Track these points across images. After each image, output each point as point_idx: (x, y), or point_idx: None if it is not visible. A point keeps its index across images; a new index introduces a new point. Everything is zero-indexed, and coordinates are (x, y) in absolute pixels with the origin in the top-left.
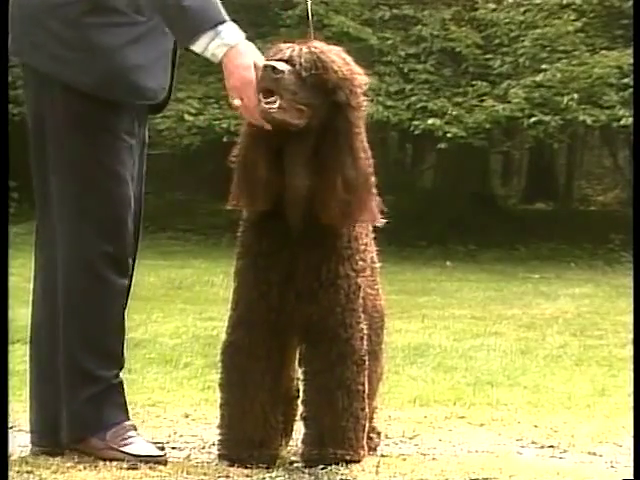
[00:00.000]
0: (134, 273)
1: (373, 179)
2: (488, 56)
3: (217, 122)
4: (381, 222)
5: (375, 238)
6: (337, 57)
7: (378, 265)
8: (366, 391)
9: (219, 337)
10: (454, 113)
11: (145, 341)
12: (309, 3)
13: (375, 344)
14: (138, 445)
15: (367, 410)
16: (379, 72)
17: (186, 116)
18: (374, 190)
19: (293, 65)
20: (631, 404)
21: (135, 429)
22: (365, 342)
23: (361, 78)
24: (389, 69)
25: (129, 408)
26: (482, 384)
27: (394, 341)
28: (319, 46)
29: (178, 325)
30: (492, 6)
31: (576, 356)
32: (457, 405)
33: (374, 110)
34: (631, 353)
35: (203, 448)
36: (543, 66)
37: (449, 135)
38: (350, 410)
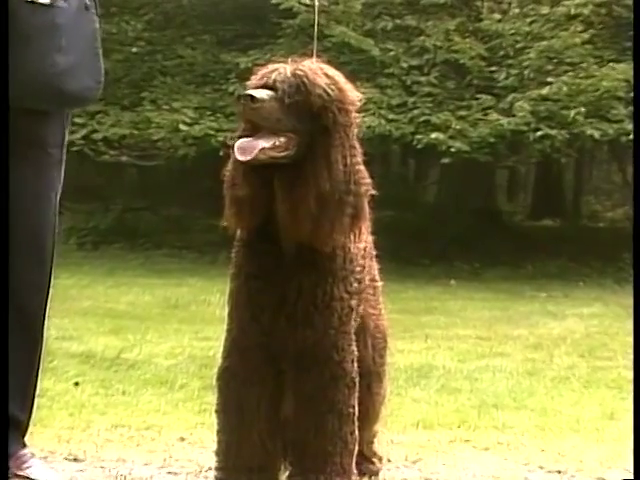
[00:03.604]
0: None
1: (360, 199)
2: (493, 68)
3: (213, 134)
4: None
5: (377, 256)
6: (323, 78)
7: (380, 284)
8: (356, 414)
9: (216, 358)
10: (458, 127)
11: (140, 362)
12: (316, 19)
13: (379, 365)
14: (38, 470)
15: (356, 434)
16: (381, 84)
17: (181, 126)
18: (359, 210)
19: (276, 91)
20: (631, 407)
21: (34, 455)
22: (355, 364)
23: (351, 94)
24: (391, 81)
25: (123, 431)
26: (487, 407)
27: (396, 362)
28: (305, 68)
29: (174, 345)
30: (497, 17)
31: (584, 378)
32: (462, 428)
33: (376, 124)
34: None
35: (200, 472)
36: (549, 79)
37: (453, 149)
38: (339, 434)
